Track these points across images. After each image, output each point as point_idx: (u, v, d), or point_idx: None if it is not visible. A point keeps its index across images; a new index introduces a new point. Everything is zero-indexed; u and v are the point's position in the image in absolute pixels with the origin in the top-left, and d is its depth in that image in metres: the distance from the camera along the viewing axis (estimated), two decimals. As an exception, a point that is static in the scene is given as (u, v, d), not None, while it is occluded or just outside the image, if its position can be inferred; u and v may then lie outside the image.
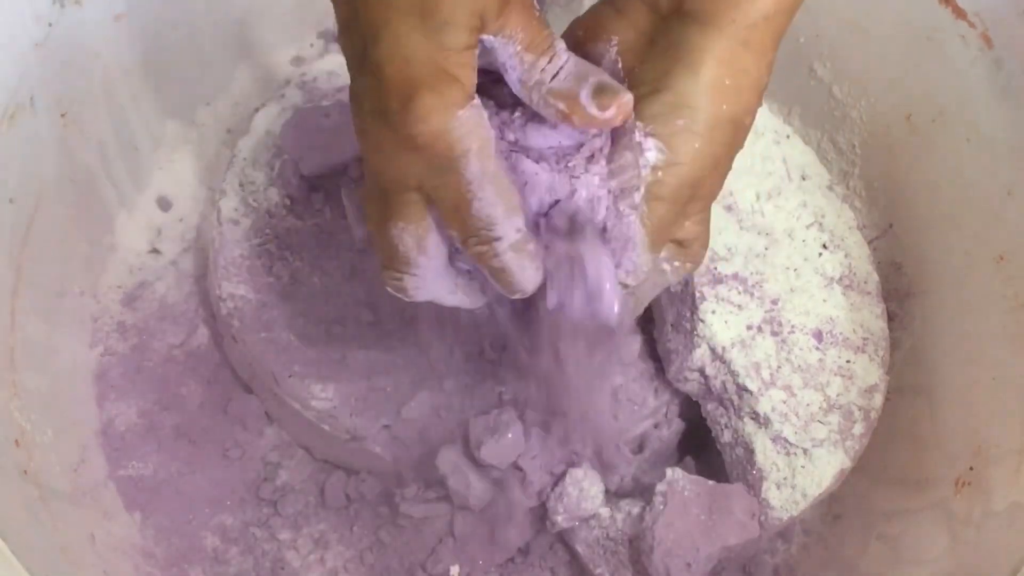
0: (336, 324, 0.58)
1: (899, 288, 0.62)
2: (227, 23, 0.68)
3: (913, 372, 0.60)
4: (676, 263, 0.43)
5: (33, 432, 0.51)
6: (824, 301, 0.57)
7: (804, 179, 0.60)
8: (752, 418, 0.53)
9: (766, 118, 0.63)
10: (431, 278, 0.41)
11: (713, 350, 0.54)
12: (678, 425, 0.58)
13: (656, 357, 0.57)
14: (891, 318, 0.60)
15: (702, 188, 0.40)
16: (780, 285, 0.56)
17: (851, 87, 0.65)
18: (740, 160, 0.59)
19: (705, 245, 0.44)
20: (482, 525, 0.54)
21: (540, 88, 0.39)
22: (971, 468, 0.53)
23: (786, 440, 0.53)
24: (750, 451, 0.53)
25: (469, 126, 0.37)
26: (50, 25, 0.55)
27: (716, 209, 0.57)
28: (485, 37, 0.37)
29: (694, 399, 0.57)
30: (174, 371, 0.62)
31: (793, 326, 0.55)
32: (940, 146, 0.60)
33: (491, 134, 0.38)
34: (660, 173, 0.38)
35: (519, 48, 0.38)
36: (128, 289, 0.64)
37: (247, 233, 0.60)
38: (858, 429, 0.54)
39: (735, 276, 0.55)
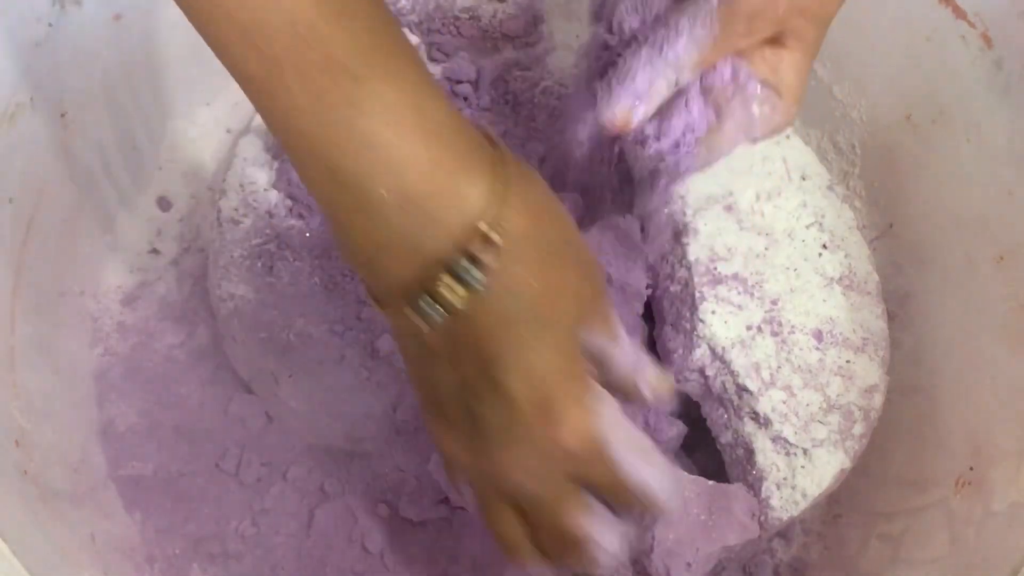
0: (337, 324, 0.58)
1: (900, 288, 0.62)
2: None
3: (913, 372, 0.60)
4: (766, 108, 0.42)
5: (33, 432, 0.51)
6: (824, 301, 0.57)
7: (804, 179, 0.60)
8: (752, 418, 0.53)
9: None
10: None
11: (713, 350, 0.54)
12: (680, 427, 0.58)
13: (656, 357, 0.57)
14: (891, 318, 0.60)
15: (776, 4, 0.39)
16: (780, 285, 0.56)
17: (851, 87, 0.65)
18: (740, 160, 0.60)
19: (798, 101, 0.42)
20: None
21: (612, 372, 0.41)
22: (971, 468, 0.53)
23: (786, 440, 0.53)
24: (750, 451, 0.53)
25: (606, 416, 0.39)
26: (50, 25, 0.55)
27: (716, 210, 0.58)
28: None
29: (694, 399, 0.57)
30: (174, 371, 0.62)
31: (793, 326, 0.55)
32: (940, 146, 0.60)
33: (616, 406, 0.40)
34: None
35: (603, 343, 0.40)
36: (128, 289, 0.64)
37: (247, 233, 0.60)
38: (858, 429, 0.54)
39: (735, 276, 0.55)
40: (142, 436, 0.59)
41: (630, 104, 0.41)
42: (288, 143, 0.36)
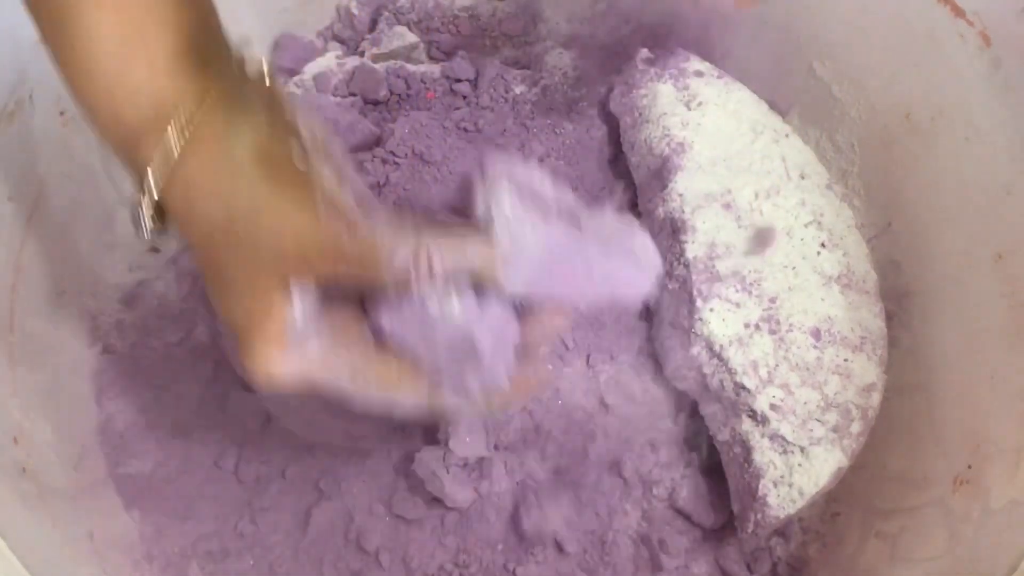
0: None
1: (898, 286, 0.62)
2: (225, 21, 0.67)
3: (912, 370, 0.60)
4: None
5: (32, 430, 0.51)
6: (822, 300, 0.57)
7: (803, 178, 0.60)
8: (749, 416, 0.53)
9: (765, 116, 0.63)
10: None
11: (711, 348, 0.54)
12: (682, 420, 0.58)
13: (654, 354, 0.57)
14: (890, 316, 0.60)
15: None
16: (778, 283, 0.56)
17: (850, 86, 0.65)
18: (739, 158, 0.60)
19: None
20: (474, 522, 0.54)
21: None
22: (969, 466, 0.53)
23: (783, 438, 0.53)
24: (747, 449, 0.53)
25: (301, 358, 0.40)
26: (49, 23, 0.55)
27: (715, 208, 0.58)
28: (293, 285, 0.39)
29: (692, 397, 0.57)
30: (173, 369, 0.62)
31: (791, 324, 0.55)
32: (939, 144, 0.60)
33: (327, 344, 0.40)
34: None
35: (312, 302, 0.40)
36: (127, 287, 0.64)
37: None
38: (856, 428, 0.54)
39: (733, 274, 0.55)
40: (141, 434, 0.59)
41: None
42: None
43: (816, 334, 0.55)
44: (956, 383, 0.57)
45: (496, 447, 0.54)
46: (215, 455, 0.59)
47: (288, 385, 0.40)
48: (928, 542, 0.52)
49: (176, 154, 0.37)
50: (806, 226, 0.59)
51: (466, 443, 0.52)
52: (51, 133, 0.57)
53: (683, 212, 0.57)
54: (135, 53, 0.37)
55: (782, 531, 0.58)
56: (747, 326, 0.54)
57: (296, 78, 0.67)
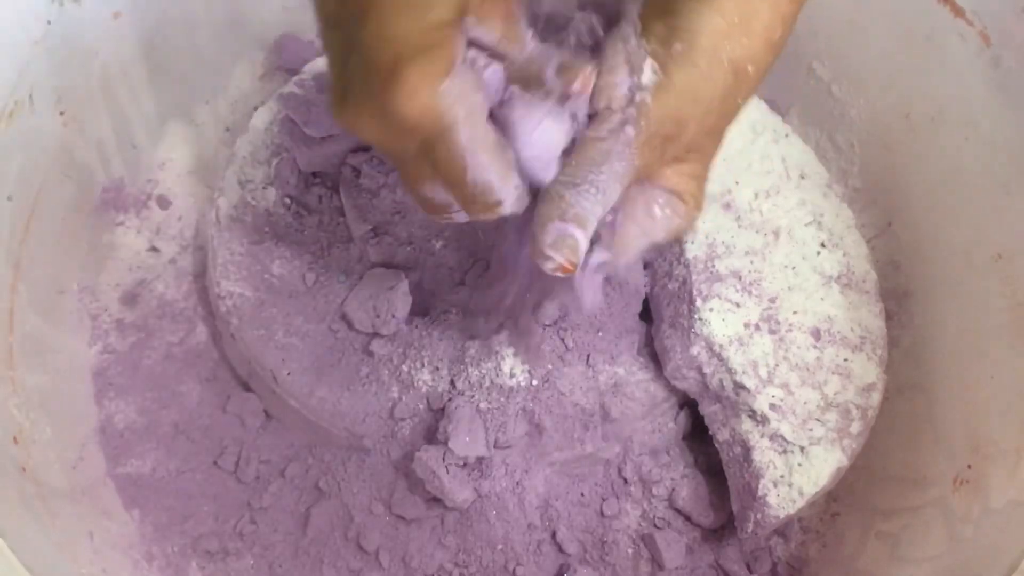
0: (335, 322, 0.58)
1: (897, 286, 0.62)
2: (226, 21, 0.68)
3: (912, 370, 0.60)
4: (667, 211, 0.42)
5: (32, 429, 0.51)
6: (822, 299, 0.57)
7: (803, 178, 0.60)
8: (749, 416, 0.53)
9: (765, 116, 0.63)
10: None
11: (711, 348, 0.54)
12: (682, 420, 0.58)
13: (654, 354, 0.57)
14: (889, 316, 0.60)
15: (686, 129, 0.39)
16: (778, 283, 0.56)
17: (850, 86, 0.65)
18: (739, 158, 0.60)
19: (698, 207, 0.43)
20: (474, 522, 0.54)
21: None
22: (969, 466, 0.53)
23: (783, 438, 0.53)
24: (747, 449, 0.53)
25: (455, 95, 0.37)
26: (49, 23, 0.55)
27: (715, 208, 0.58)
28: (468, 19, 0.37)
29: (691, 396, 0.57)
30: (173, 369, 0.62)
31: (791, 324, 0.55)
32: (938, 144, 0.60)
33: (480, 99, 0.38)
34: (648, 97, 0.38)
35: (497, 37, 0.38)
36: (127, 287, 0.64)
37: (246, 231, 0.60)
38: (855, 428, 0.54)
39: (733, 274, 0.55)
40: (141, 434, 0.59)
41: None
42: None
43: (816, 334, 0.55)
44: (956, 383, 0.57)
45: (496, 446, 0.53)
46: (215, 454, 0.59)
47: (430, 120, 0.37)
48: (928, 542, 0.52)
49: None
50: (806, 226, 0.58)
51: (465, 443, 0.52)
52: (51, 133, 0.57)
53: None
54: None
55: (782, 531, 0.58)
56: (747, 326, 0.54)
57: (296, 78, 0.67)
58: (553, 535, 0.55)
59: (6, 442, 0.48)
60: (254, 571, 0.56)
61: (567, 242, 0.39)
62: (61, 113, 0.57)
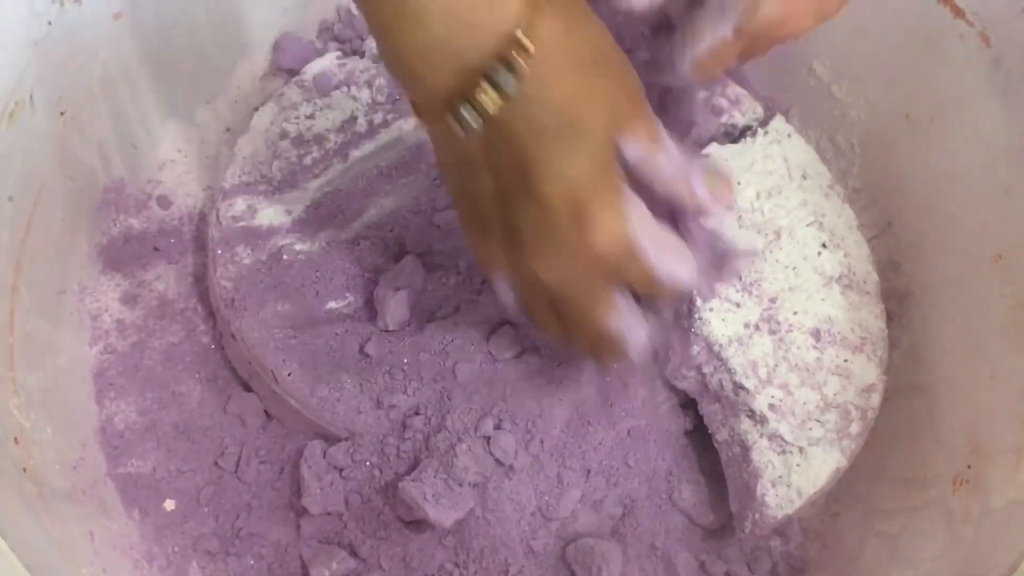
0: (336, 323, 0.58)
1: (897, 287, 0.62)
2: (226, 21, 0.68)
3: (912, 371, 0.60)
4: None
5: (32, 430, 0.51)
6: (823, 300, 0.57)
7: (805, 178, 0.60)
8: (748, 416, 0.53)
9: (766, 115, 0.63)
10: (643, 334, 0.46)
11: (710, 347, 0.54)
12: (682, 421, 0.58)
13: (654, 354, 0.57)
14: (890, 317, 0.60)
15: None
16: (779, 284, 0.56)
17: (850, 86, 0.65)
18: (740, 159, 0.60)
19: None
20: (475, 523, 0.54)
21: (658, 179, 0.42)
22: (969, 466, 0.53)
23: (782, 438, 0.53)
24: (746, 449, 0.53)
25: (636, 218, 0.41)
26: (49, 23, 0.55)
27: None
28: (622, 140, 0.41)
29: (691, 396, 0.57)
30: (173, 369, 0.62)
31: (791, 325, 0.55)
32: (939, 145, 0.60)
33: (642, 205, 0.42)
34: None
35: (643, 145, 0.41)
36: (127, 287, 0.64)
37: (247, 232, 0.60)
38: (855, 428, 0.54)
39: None
40: (141, 434, 0.59)
41: None
42: None
43: (816, 335, 0.55)
44: (956, 383, 0.57)
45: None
46: (215, 454, 0.59)
47: (623, 245, 0.41)
48: (928, 542, 0.52)
49: (540, 6, 0.38)
50: (807, 226, 0.59)
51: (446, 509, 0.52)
52: (51, 133, 0.57)
53: None
54: None
55: (782, 531, 0.58)
56: (747, 326, 0.54)
57: (296, 78, 0.67)
58: (554, 533, 0.55)
59: (7, 442, 0.48)
60: (254, 571, 0.56)
61: None
62: (61, 113, 0.57)
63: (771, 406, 0.53)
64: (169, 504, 0.58)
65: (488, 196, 0.43)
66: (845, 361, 0.55)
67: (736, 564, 0.57)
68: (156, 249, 0.65)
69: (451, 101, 0.39)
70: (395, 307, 0.56)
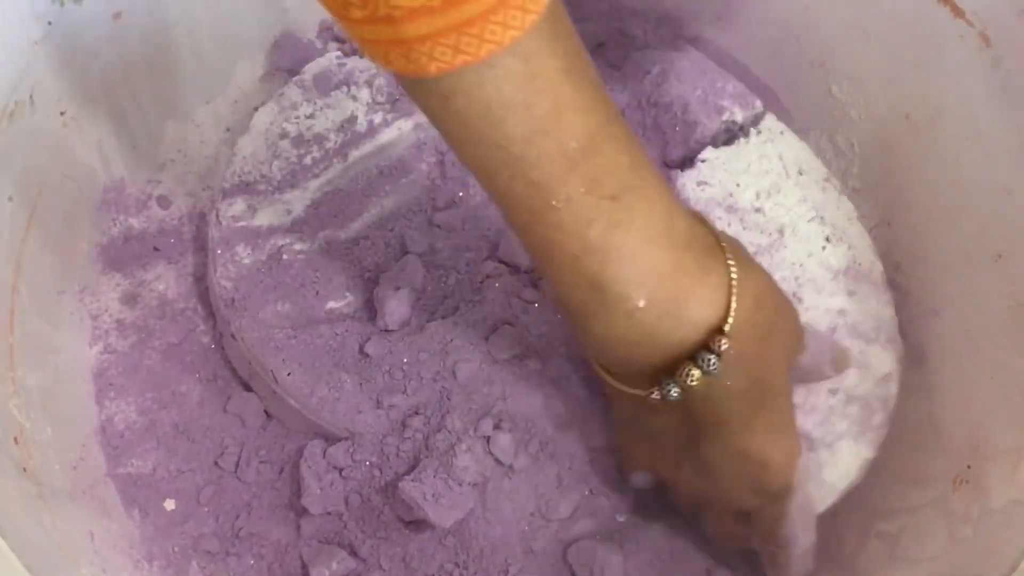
0: (336, 322, 0.58)
1: (898, 287, 0.62)
2: (226, 21, 0.68)
3: (911, 371, 0.60)
4: None
5: (32, 429, 0.51)
6: (832, 295, 0.57)
7: (801, 174, 0.61)
8: None
9: (759, 115, 0.63)
10: None
11: None
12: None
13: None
14: (890, 316, 0.60)
15: None
16: (788, 283, 0.56)
17: (849, 86, 0.65)
18: (736, 161, 0.60)
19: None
20: (475, 523, 0.54)
21: None
22: (969, 466, 0.53)
23: (808, 436, 0.53)
24: None
25: (802, 471, 0.47)
26: (49, 23, 0.55)
27: (718, 212, 0.58)
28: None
29: None
30: (173, 369, 0.62)
31: (804, 322, 0.55)
32: (938, 145, 0.60)
33: (807, 467, 0.48)
34: None
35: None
36: (127, 287, 0.64)
37: (247, 232, 0.60)
38: (877, 419, 0.54)
39: None
40: (141, 434, 0.59)
41: None
42: (546, 253, 0.40)
43: (831, 330, 0.55)
44: (956, 383, 0.57)
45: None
46: (215, 454, 0.59)
47: (786, 489, 0.47)
48: (928, 542, 0.52)
49: (735, 283, 0.42)
50: (809, 222, 0.59)
51: (446, 508, 0.52)
52: (51, 133, 0.57)
53: None
54: (678, 205, 0.42)
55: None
56: None
57: (296, 78, 0.67)
58: (553, 534, 0.55)
59: (6, 442, 0.48)
60: (254, 571, 0.56)
61: None
62: (61, 113, 0.57)
63: (794, 405, 0.53)
64: (169, 504, 0.58)
65: (670, 434, 0.48)
66: (860, 352, 0.55)
67: (738, 564, 0.57)
68: (156, 249, 0.65)
69: (658, 380, 0.43)
70: (395, 307, 0.56)
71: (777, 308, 0.45)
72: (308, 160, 0.63)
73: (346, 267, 0.59)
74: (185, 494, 0.58)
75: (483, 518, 0.53)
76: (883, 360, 0.56)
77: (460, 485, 0.52)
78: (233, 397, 0.60)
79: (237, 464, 0.58)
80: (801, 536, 0.49)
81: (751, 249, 0.56)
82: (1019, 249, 0.54)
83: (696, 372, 0.41)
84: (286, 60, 0.71)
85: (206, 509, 0.58)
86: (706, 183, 0.59)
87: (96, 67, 0.60)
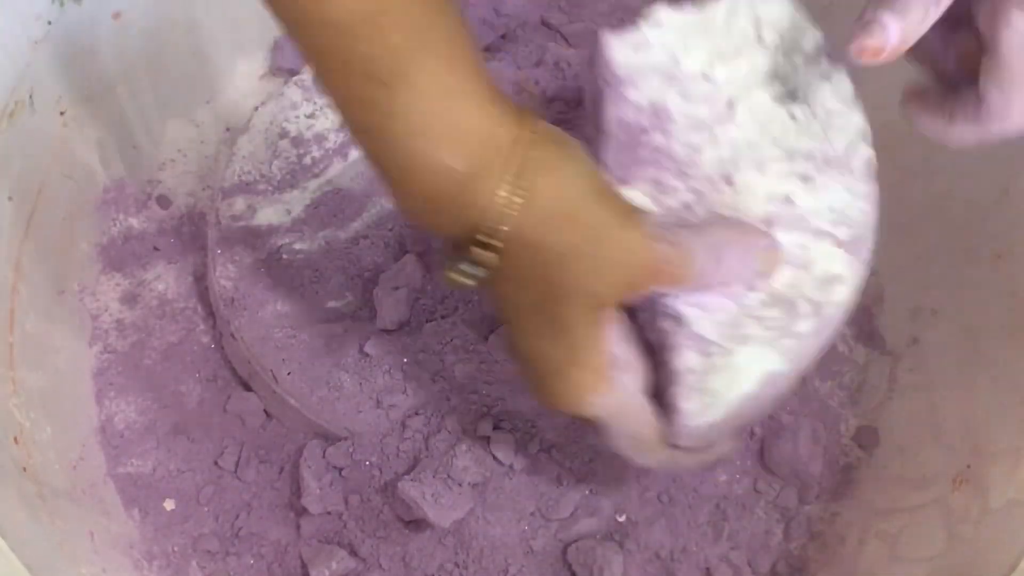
0: (336, 323, 0.58)
1: (897, 287, 0.62)
2: (226, 21, 0.68)
3: (912, 371, 0.60)
4: None
5: (32, 429, 0.51)
6: (780, 178, 0.45)
7: (782, 40, 0.47)
8: (670, 317, 0.44)
9: None
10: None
11: None
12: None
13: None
14: (890, 317, 0.60)
15: None
16: (722, 163, 0.45)
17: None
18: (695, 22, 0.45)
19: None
20: (475, 523, 0.54)
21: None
22: (969, 466, 0.53)
23: (702, 338, 0.44)
24: (666, 352, 0.44)
25: (615, 398, 0.43)
26: (49, 23, 0.55)
27: (653, 80, 0.45)
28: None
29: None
30: (173, 369, 0.62)
31: (734, 208, 0.45)
32: (939, 145, 0.60)
33: (632, 389, 0.44)
34: None
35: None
36: (127, 287, 0.64)
37: (246, 231, 0.60)
38: (803, 326, 0.44)
39: (666, 154, 0.44)
40: (141, 434, 0.59)
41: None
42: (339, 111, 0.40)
43: (767, 221, 0.44)
44: (956, 383, 0.57)
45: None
46: (215, 454, 0.59)
47: (601, 416, 0.44)
48: (928, 542, 0.52)
49: (525, 183, 0.39)
50: (773, 98, 0.46)
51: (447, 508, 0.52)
52: (51, 133, 0.57)
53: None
54: (462, 103, 0.38)
55: (783, 531, 0.58)
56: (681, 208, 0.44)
57: (296, 78, 0.67)
58: (553, 534, 0.55)
59: (6, 442, 0.48)
60: (254, 571, 0.56)
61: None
62: (61, 113, 0.58)
63: (697, 303, 0.44)
64: (169, 504, 0.58)
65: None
66: (802, 247, 0.45)
67: (739, 562, 0.57)
68: (156, 249, 0.65)
69: (456, 257, 0.40)
70: (394, 306, 0.56)
71: (592, 235, 0.40)
72: (308, 160, 0.63)
73: (345, 267, 0.60)
74: (185, 494, 0.58)
75: (483, 518, 0.53)
76: (832, 259, 0.45)
77: (460, 485, 0.52)
78: (233, 397, 0.60)
79: (237, 464, 0.58)
80: (638, 460, 0.47)
81: (684, 122, 0.45)
82: (1019, 249, 0.54)
83: (464, 266, 0.40)
84: (286, 60, 0.71)
85: (206, 509, 0.58)
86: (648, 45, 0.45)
87: (96, 67, 0.60)
